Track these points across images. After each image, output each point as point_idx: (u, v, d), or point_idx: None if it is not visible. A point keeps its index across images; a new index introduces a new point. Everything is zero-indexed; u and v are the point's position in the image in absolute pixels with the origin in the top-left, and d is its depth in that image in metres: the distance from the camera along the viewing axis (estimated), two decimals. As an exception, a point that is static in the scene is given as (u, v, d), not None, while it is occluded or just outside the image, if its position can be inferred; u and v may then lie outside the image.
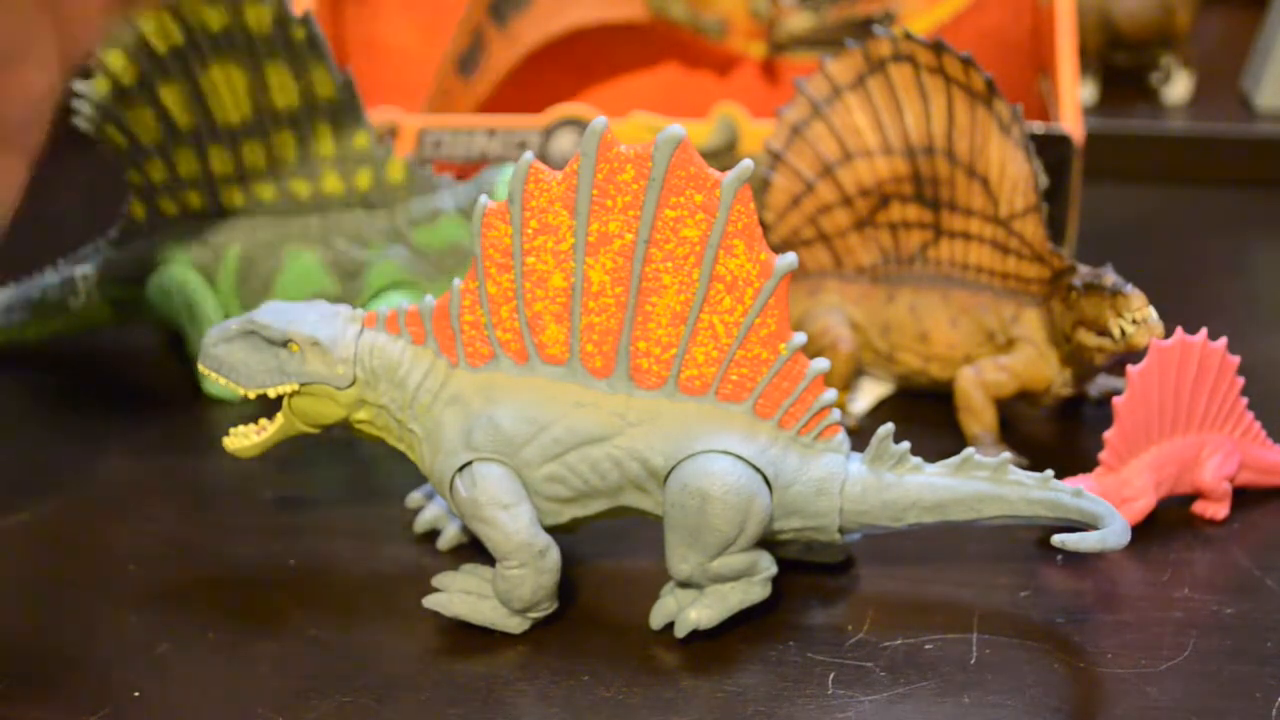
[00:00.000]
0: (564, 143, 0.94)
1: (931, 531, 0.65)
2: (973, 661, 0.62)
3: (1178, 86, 1.25)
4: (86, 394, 0.86)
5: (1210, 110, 1.24)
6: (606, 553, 0.69)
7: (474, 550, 0.69)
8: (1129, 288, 0.72)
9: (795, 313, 0.83)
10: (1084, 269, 0.74)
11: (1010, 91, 0.90)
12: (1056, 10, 0.96)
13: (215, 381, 0.67)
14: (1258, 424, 0.73)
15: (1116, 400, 0.69)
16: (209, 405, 0.83)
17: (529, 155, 0.61)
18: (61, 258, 0.88)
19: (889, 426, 0.64)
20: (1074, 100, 0.91)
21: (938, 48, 0.78)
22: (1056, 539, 0.60)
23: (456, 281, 0.63)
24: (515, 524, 0.62)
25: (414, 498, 0.72)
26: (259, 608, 0.66)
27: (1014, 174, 0.77)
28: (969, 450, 0.63)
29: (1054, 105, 0.95)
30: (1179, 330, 0.69)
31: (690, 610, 0.63)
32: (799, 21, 1.10)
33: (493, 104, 1.09)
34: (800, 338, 0.62)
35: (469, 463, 0.63)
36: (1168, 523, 0.71)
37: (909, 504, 0.63)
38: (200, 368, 0.66)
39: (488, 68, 1.09)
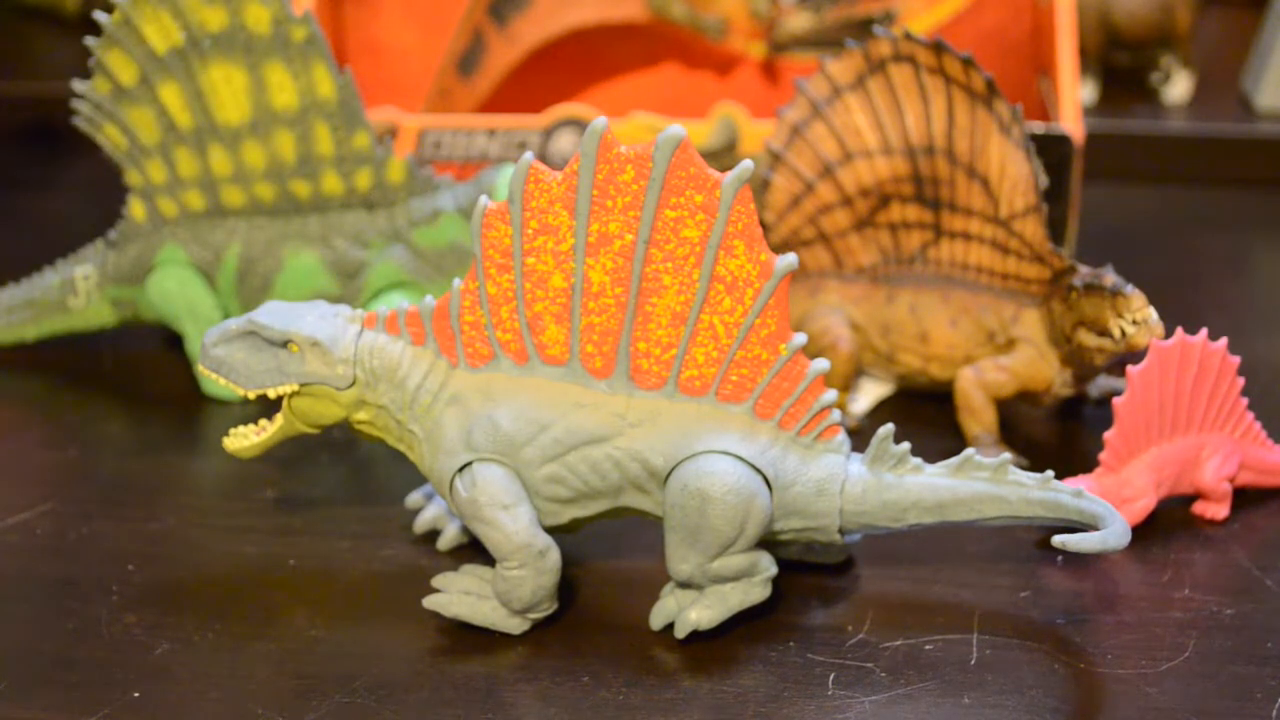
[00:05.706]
0: (564, 143, 0.94)
1: (931, 532, 0.65)
2: (973, 662, 0.62)
3: (1178, 86, 1.25)
4: (86, 394, 0.86)
5: (1210, 110, 1.24)
6: (606, 553, 0.69)
7: (474, 550, 0.69)
8: (1129, 288, 0.72)
9: (795, 313, 0.83)
10: (1084, 269, 0.74)
11: (1010, 91, 0.90)
12: (1056, 10, 0.96)
13: (215, 381, 0.67)
14: (1258, 424, 0.73)
15: (1116, 400, 0.69)
16: (209, 405, 0.83)
17: (529, 155, 0.61)
18: (61, 258, 0.88)
19: (889, 427, 0.64)
20: (1074, 100, 0.91)
21: (938, 48, 0.78)
22: (1057, 539, 0.60)
23: (456, 282, 0.63)
24: (515, 524, 0.62)
25: (414, 498, 0.72)
26: (259, 608, 0.66)
27: (1014, 174, 0.77)
28: (969, 451, 0.63)
29: (1054, 105, 0.95)
30: (1179, 330, 0.69)
31: (690, 611, 0.63)
32: (799, 21, 1.10)
33: (493, 104, 1.09)
34: (800, 338, 0.62)
35: (469, 463, 0.63)
36: (1168, 523, 0.71)
37: (909, 504, 0.63)
38: (200, 368, 0.66)
39: (488, 68, 1.09)
